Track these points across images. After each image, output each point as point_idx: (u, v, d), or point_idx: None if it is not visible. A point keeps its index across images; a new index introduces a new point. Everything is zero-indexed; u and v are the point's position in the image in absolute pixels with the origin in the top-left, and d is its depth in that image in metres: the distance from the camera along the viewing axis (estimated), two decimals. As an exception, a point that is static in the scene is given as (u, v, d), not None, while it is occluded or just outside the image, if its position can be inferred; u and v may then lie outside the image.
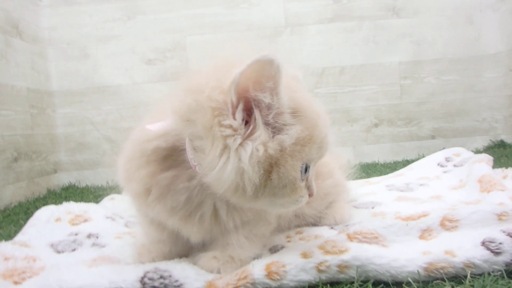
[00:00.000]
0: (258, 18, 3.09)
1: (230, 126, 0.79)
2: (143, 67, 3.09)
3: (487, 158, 1.74)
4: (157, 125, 0.91)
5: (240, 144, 0.79)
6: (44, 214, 1.50)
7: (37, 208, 2.16)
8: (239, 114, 0.79)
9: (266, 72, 0.76)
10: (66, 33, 3.05)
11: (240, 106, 0.79)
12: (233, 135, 0.79)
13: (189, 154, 0.87)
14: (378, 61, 3.14)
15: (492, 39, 3.12)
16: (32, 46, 2.83)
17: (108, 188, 2.74)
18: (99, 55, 3.08)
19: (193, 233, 0.99)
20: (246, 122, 0.81)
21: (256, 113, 0.80)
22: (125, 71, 3.09)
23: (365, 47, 3.13)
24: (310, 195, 0.93)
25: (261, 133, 0.80)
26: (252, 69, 0.76)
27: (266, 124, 0.81)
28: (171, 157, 0.90)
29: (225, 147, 0.80)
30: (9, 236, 1.55)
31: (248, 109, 0.80)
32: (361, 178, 2.27)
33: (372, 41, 3.13)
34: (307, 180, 0.90)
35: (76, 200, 2.27)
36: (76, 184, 3.02)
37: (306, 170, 0.88)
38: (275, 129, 0.82)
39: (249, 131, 0.80)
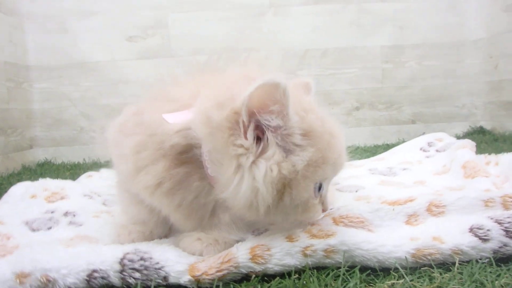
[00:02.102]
0: (242, -3, 3.06)
1: (242, 146, 0.81)
2: (123, 43, 3.03)
3: (470, 144, 1.74)
4: (176, 119, 0.89)
5: (254, 163, 0.81)
6: (19, 190, 1.45)
7: (11, 184, 2.10)
8: (250, 134, 0.81)
9: (272, 95, 0.78)
10: (45, 7, 2.97)
11: (251, 126, 0.81)
12: (246, 154, 0.81)
13: (205, 156, 0.87)
14: (360, 44, 3.14)
15: (473, 26, 3.14)
16: (10, 18, 2.76)
17: (85, 165, 2.72)
18: (78, 30, 3.01)
19: (188, 227, 0.99)
20: (260, 141, 0.83)
21: (268, 133, 0.82)
22: (105, 47, 3.03)
23: (348, 30, 3.13)
24: (324, 210, 0.95)
25: (274, 152, 0.82)
26: (259, 91, 0.78)
27: (278, 145, 0.82)
28: (186, 153, 0.90)
29: (239, 166, 0.81)
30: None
31: (261, 128, 0.82)
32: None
33: (355, 24, 3.12)
34: (321, 196, 0.92)
35: (51, 177, 2.23)
36: (52, 161, 2.97)
37: (320, 188, 0.90)
38: (287, 150, 0.83)
39: (260, 149, 0.82)
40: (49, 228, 1.19)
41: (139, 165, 0.92)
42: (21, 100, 2.85)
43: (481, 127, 3.14)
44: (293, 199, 0.84)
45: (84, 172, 2.05)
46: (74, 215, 1.28)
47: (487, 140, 2.63)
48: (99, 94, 3.03)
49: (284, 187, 0.82)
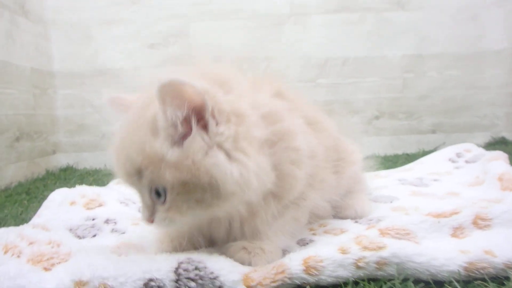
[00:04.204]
0: (262, 6, 3.08)
1: None
2: (145, 51, 3.07)
3: (503, 156, 1.72)
4: None
5: None
6: (58, 196, 1.47)
7: (37, 188, 2.15)
8: None
9: None
10: (70, 15, 3.04)
11: None
12: None
13: None
14: (381, 53, 3.14)
15: (496, 36, 3.12)
16: (37, 26, 2.83)
17: (106, 171, 2.73)
18: (101, 38, 3.07)
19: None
20: None
21: None
22: (127, 55, 3.07)
23: (369, 39, 3.13)
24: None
25: None
26: None
27: None
28: None
29: None
30: (17, 217, 1.54)
31: None
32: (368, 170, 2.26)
33: (375, 34, 3.12)
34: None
35: (75, 182, 2.26)
36: (74, 166, 3.00)
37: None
38: None
39: None
40: (94, 235, 1.21)
41: None
42: (46, 106, 2.91)
43: (503, 138, 3.11)
44: None
45: (107, 177, 2.07)
46: (115, 223, 1.29)
47: (509, 151, 2.55)
48: (121, 101, 3.04)
49: None
